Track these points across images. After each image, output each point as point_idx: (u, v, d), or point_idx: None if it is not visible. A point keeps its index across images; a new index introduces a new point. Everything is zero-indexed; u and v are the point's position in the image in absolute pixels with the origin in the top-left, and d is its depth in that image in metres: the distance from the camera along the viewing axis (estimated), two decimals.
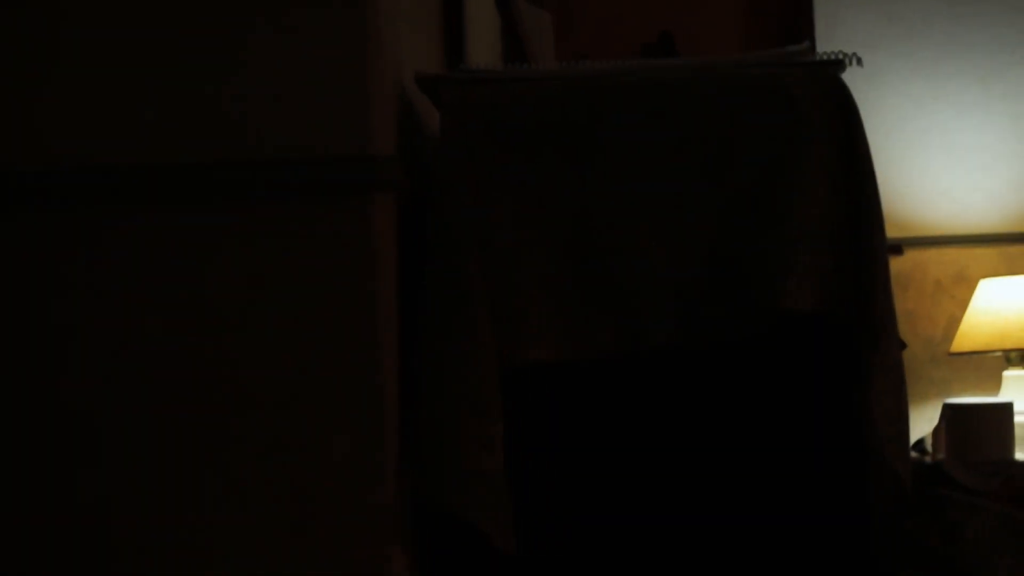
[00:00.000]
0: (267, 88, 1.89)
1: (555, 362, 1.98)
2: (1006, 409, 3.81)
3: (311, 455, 1.86)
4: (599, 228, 1.98)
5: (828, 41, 4.69)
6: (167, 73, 1.91)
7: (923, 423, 4.40)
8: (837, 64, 2.01)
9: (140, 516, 1.87)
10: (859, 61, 2.02)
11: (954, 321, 4.61)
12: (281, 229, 1.88)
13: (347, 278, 1.87)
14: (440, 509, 1.92)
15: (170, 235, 1.89)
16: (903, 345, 2.00)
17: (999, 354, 4.43)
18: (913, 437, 4.03)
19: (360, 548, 1.85)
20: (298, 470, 1.86)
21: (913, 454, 4.01)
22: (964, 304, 4.58)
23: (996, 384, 4.47)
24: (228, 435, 1.87)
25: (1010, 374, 4.40)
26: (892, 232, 4.39)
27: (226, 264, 1.88)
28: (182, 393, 1.87)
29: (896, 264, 4.61)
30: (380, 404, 1.86)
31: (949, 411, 3.83)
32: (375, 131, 1.89)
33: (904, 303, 4.63)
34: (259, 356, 1.87)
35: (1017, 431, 3.91)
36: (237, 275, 1.88)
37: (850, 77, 2.03)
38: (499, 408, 1.93)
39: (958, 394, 4.59)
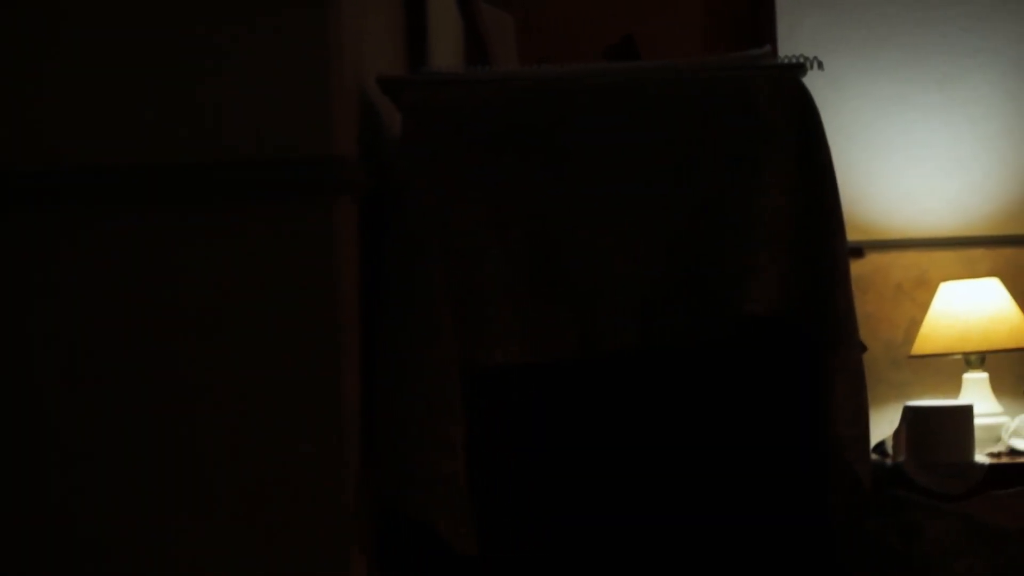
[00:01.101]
0: (230, 90, 1.89)
1: (519, 364, 1.98)
2: (966, 412, 3.82)
3: (273, 457, 1.86)
4: (562, 231, 1.98)
5: (790, 45, 4.70)
6: (128, 76, 1.90)
7: (884, 425, 4.41)
8: (798, 68, 2.02)
9: (104, 515, 1.86)
10: (820, 65, 2.02)
11: (914, 324, 4.62)
12: (243, 230, 1.87)
13: (309, 279, 1.87)
14: (401, 511, 1.92)
15: (132, 236, 1.88)
16: (863, 348, 2.00)
17: (959, 357, 4.45)
18: (874, 439, 4.04)
19: (321, 549, 1.85)
20: (259, 471, 1.85)
21: (874, 456, 4.02)
22: (924, 307, 4.59)
23: (956, 387, 4.49)
24: (188, 436, 1.86)
25: (970, 377, 4.42)
26: (853, 235, 4.40)
27: (188, 265, 1.87)
28: (143, 394, 1.87)
29: (857, 267, 4.62)
30: (341, 405, 1.86)
31: (909, 413, 3.85)
32: (337, 133, 1.89)
33: (864, 306, 4.64)
34: (220, 357, 1.87)
35: (977, 433, 3.93)
36: (200, 276, 1.87)
37: (811, 80, 2.03)
38: (461, 410, 1.93)
39: (918, 397, 4.61)
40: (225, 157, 1.88)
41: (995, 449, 4.22)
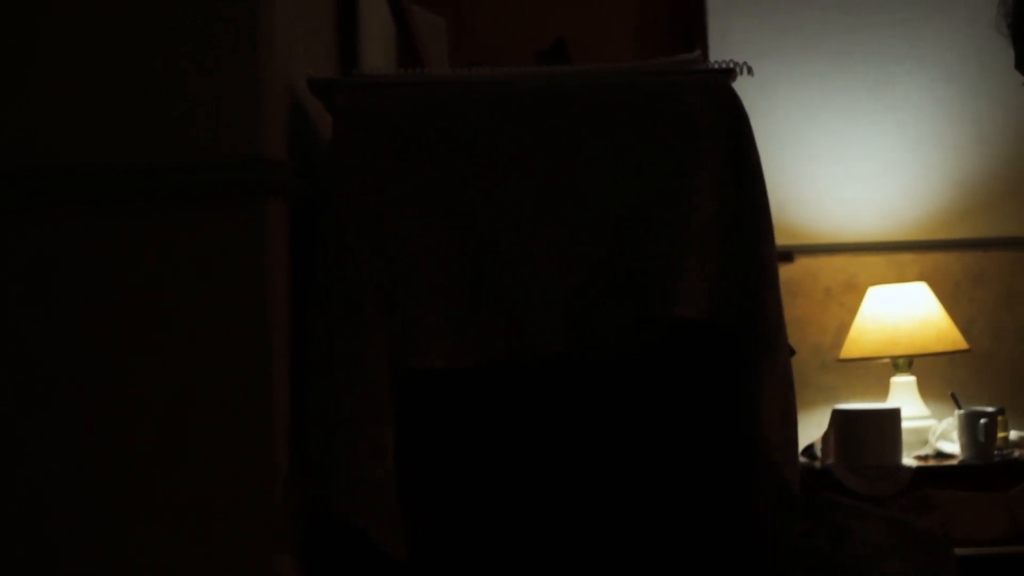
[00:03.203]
0: (156, 89, 1.87)
1: (449, 369, 1.97)
2: (893, 415, 3.87)
3: (201, 462, 1.84)
4: (492, 236, 1.98)
5: (721, 50, 4.73)
6: (49, 73, 1.88)
7: (812, 428, 4.46)
8: (728, 73, 2.03)
9: (29, 516, 1.84)
10: (750, 70, 2.03)
11: (843, 328, 4.67)
12: (169, 233, 1.85)
13: (238, 283, 1.86)
14: (331, 515, 1.91)
15: (57, 240, 1.86)
16: (792, 352, 2.02)
17: (887, 360, 4.50)
18: (803, 442, 4.08)
19: (249, 554, 1.84)
20: (188, 477, 1.84)
21: (803, 459, 4.06)
22: (853, 311, 4.64)
23: (884, 390, 4.54)
24: (116, 441, 1.85)
25: (897, 380, 4.47)
26: (783, 239, 4.44)
27: (114, 270, 1.86)
28: (70, 399, 1.85)
29: (786, 271, 4.66)
30: (270, 410, 1.85)
31: (838, 417, 3.89)
32: (268, 134, 1.88)
33: (794, 310, 4.69)
34: (148, 362, 1.85)
35: (904, 436, 3.97)
36: (125, 281, 1.86)
37: (742, 86, 2.05)
38: (390, 414, 1.93)
39: (847, 400, 4.65)
40: (151, 158, 1.87)
41: (922, 452, 4.27)
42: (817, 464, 4.04)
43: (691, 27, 4.88)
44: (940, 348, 4.41)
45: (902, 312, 4.44)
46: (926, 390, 4.54)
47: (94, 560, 1.84)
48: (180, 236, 1.86)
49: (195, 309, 1.86)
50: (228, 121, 1.86)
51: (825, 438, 3.99)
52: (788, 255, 4.70)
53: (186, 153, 1.86)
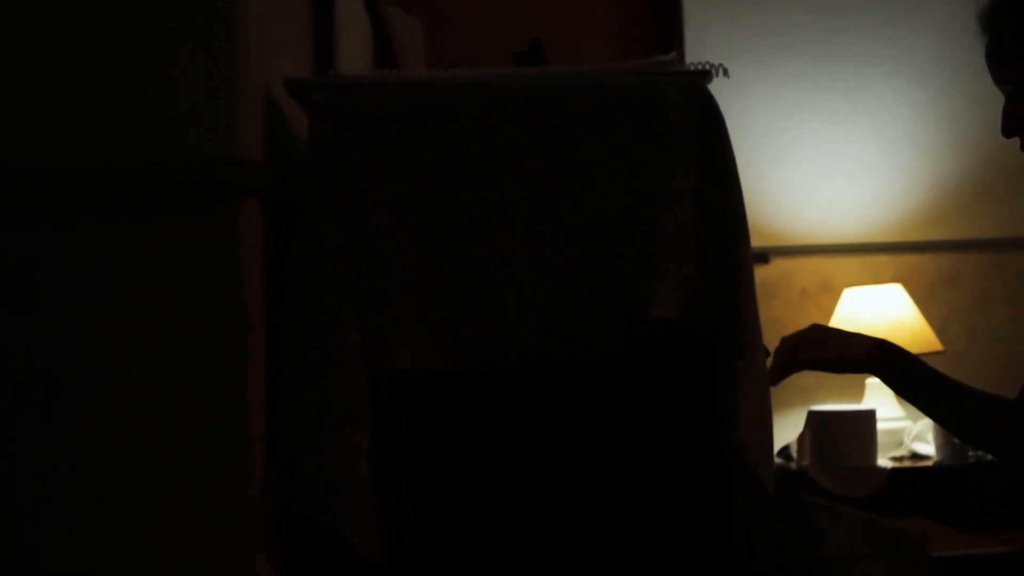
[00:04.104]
0: (130, 88, 1.86)
1: (426, 369, 1.97)
2: (868, 416, 3.88)
3: (176, 463, 1.84)
4: (469, 236, 1.98)
5: (697, 52, 4.74)
6: (19, 70, 1.87)
7: (788, 429, 4.47)
8: (704, 74, 2.03)
9: (6, 520, 1.84)
10: (726, 72, 2.04)
11: None
12: (145, 235, 1.85)
13: (213, 284, 1.85)
14: (307, 516, 1.91)
15: (30, 242, 1.85)
16: (768, 353, 2.02)
17: None
18: (778, 444, 4.09)
19: (225, 555, 1.83)
20: (163, 477, 1.84)
21: (778, 460, 4.07)
22: (828, 312, 4.65)
23: (859, 391, 4.55)
24: (89, 442, 1.84)
25: (873, 382, 4.48)
26: (758, 241, 4.46)
27: (88, 271, 1.85)
28: (46, 399, 1.84)
29: (762, 273, 4.67)
30: (246, 411, 1.85)
31: (813, 418, 3.90)
32: (242, 135, 1.87)
33: (770, 311, 4.70)
34: (123, 363, 1.84)
35: (880, 437, 3.99)
36: (100, 282, 1.85)
37: (718, 87, 2.05)
38: (366, 414, 1.93)
39: (822, 401, 4.67)
40: (125, 159, 1.86)
41: (898, 453, 4.29)
42: (792, 465, 4.05)
43: (668, 28, 4.89)
44: (915, 349, 4.41)
45: (877, 313, 4.45)
46: None
47: (73, 561, 1.83)
48: (155, 237, 1.85)
49: (170, 310, 1.85)
50: (204, 121, 1.86)
51: (801, 439, 4.00)
52: (764, 256, 4.72)
53: (162, 153, 1.85)
